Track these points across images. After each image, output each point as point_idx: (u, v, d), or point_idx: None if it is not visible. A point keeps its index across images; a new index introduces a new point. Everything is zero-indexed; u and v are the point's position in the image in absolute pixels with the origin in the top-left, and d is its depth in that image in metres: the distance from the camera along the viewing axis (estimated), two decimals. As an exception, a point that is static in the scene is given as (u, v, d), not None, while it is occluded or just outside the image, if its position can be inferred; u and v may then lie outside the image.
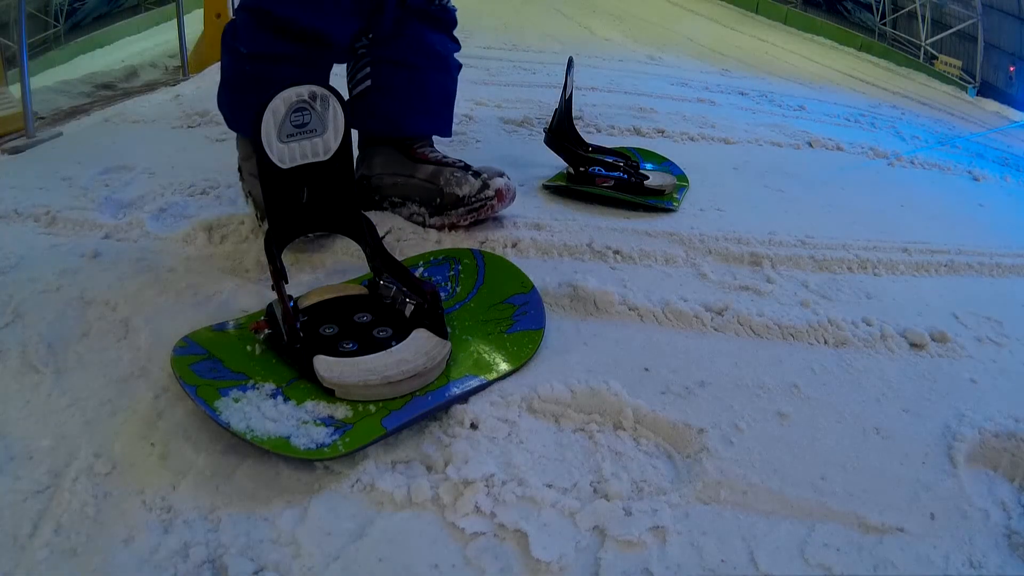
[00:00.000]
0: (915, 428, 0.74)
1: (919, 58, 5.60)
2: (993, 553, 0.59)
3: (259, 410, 0.65)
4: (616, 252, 1.08)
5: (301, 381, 0.70)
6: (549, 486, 0.62)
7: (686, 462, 0.67)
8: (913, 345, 0.90)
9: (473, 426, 0.68)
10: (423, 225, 1.10)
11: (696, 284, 1.01)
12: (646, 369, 0.79)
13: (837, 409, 0.76)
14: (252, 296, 0.90)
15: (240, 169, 1.14)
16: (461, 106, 2.04)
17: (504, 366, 0.76)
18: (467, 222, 1.09)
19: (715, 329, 0.90)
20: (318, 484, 0.61)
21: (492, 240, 1.08)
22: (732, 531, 0.59)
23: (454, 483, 0.61)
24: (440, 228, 1.09)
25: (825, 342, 0.89)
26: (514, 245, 1.08)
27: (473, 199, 1.07)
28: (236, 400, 0.66)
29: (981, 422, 0.74)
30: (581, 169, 1.32)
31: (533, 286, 0.89)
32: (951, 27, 5.57)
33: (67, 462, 0.61)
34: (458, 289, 0.90)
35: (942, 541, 0.60)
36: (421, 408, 0.68)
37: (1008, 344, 0.93)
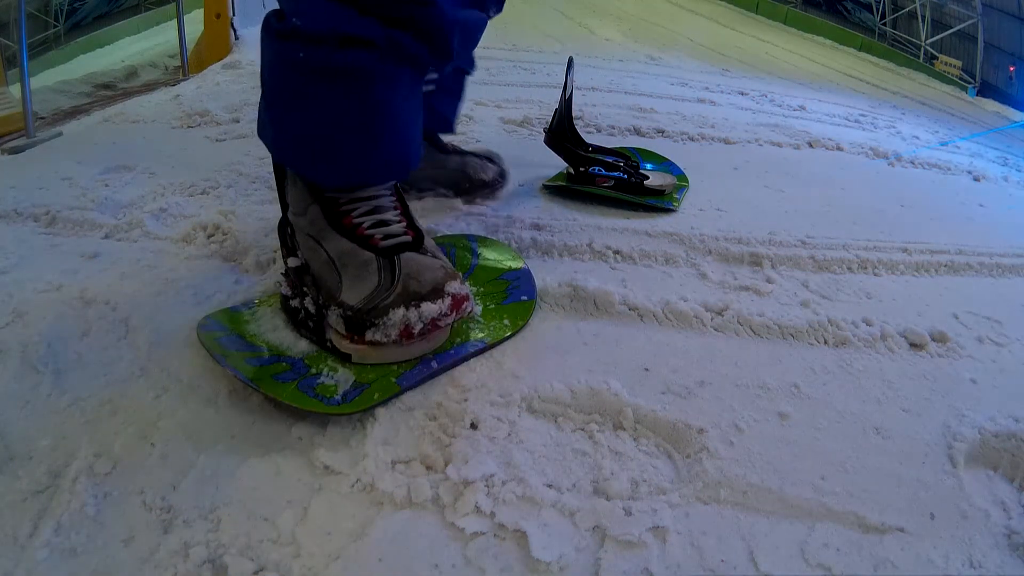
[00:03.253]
0: (915, 428, 0.74)
1: (919, 58, 5.61)
2: (993, 553, 0.59)
3: (283, 376, 0.70)
4: (616, 252, 1.08)
5: (319, 352, 0.75)
6: (549, 486, 0.62)
7: (686, 462, 0.67)
8: (913, 345, 0.90)
9: (473, 426, 0.68)
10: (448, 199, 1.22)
11: (696, 284, 1.01)
12: (646, 369, 0.79)
13: (837, 409, 0.76)
14: (252, 296, 0.90)
15: (288, 227, 0.81)
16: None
17: (503, 332, 0.82)
18: (489, 201, 1.24)
19: (715, 329, 0.90)
20: (318, 484, 0.61)
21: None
22: (732, 531, 0.59)
23: (454, 483, 0.61)
24: (467, 203, 1.22)
25: (825, 342, 0.89)
26: (515, 245, 1.08)
27: (495, 182, 1.24)
28: (262, 367, 0.71)
29: (981, 422, 0.74)
30: (581, 169, 1.32)
31: (524, 263, 0.95)
32: (951, 27, 5.57)
33: (67, 462, 0.61)
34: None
35: (942, 541, 0.60)
36: (431, 368, 0.73)
37: (1008, 344, 0.93)
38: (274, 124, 0.76)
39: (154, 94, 2.08)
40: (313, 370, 0.71)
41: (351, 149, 0.74)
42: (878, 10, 6.34)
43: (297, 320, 0.76)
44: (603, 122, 1.96)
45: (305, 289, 0.76)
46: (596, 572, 0.55)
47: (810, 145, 1.93)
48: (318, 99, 0.70)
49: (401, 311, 0.69)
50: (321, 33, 0.68)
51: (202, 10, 2.69)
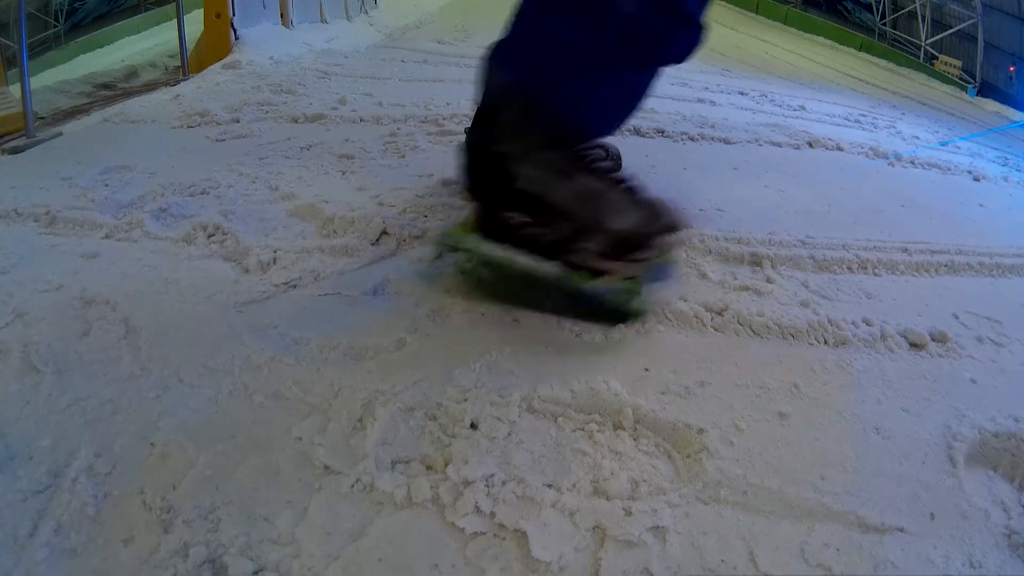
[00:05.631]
0: (915, 428, 0.74)
1: (919, 58, 5.60)
2: (993, 553, 0.59)
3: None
4: (616, 252, 1.08)
5: (571, 272, 0.84)
6: (549, 486, 0.62)
7: (686, 462, 0.67)
8: (913, 345, 0.90)
9: (473, 426, 0.68)
10: None
11: (696, 284, 1.01)
12: (646, 369, 0.79)
13: (837, 409, 0.76)
14: (254, 295, 0.90)
15: (504, 160, 0.87)
16: (461, 106, 2.04)
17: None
18: None
19: (715, 329, 0.90)
20: (318, 484, 0.61)
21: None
22: (732, 531, 0.59)
23: (454, 483, 0.61)
24: None
25: (825, 342, 0.89)
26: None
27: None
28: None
29: (981, 422, 0.74)
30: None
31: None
32: (951, 27, 5.57)
33: (67, 462, 0.61)
34: None
35: (942, 541, 0.60)
36: (657, 275, 0.89)
37: (1008, 344, 0.93)
38: (578, 86, 0.84)
39: (154, 94, 2.08)
40: (580, 281, 0.83)
41: (628, 114, 0.92)
42: (878, 10, 6.33)
43: (543, 244, 0.85)
44: (603, 122, 1.95)
45: (555, 220, 0.85)
46: (596, 572, 0.55)
47: (810, 145, 1.93)
48: (634, 80, 0.86)
49: (664, 238, 0.84)
50: (644, 36, 0.82)
51: (202, 10, 2.70)
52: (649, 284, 0.88)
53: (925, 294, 1.06)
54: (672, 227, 0.86)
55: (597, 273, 0.85)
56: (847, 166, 1.79)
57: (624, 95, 0.87)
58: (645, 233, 0.84)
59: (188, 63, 2.50)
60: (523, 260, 0.86)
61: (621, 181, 0.89)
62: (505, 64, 0.87)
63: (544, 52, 0.83)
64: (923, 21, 5.72)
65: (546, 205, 0.86)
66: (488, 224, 0.89)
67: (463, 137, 1.70)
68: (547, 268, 0.85)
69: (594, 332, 0.86)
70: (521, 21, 0.87)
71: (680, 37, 0.84)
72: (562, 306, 0.87)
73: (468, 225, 0.92)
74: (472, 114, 0.93)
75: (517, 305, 0.88)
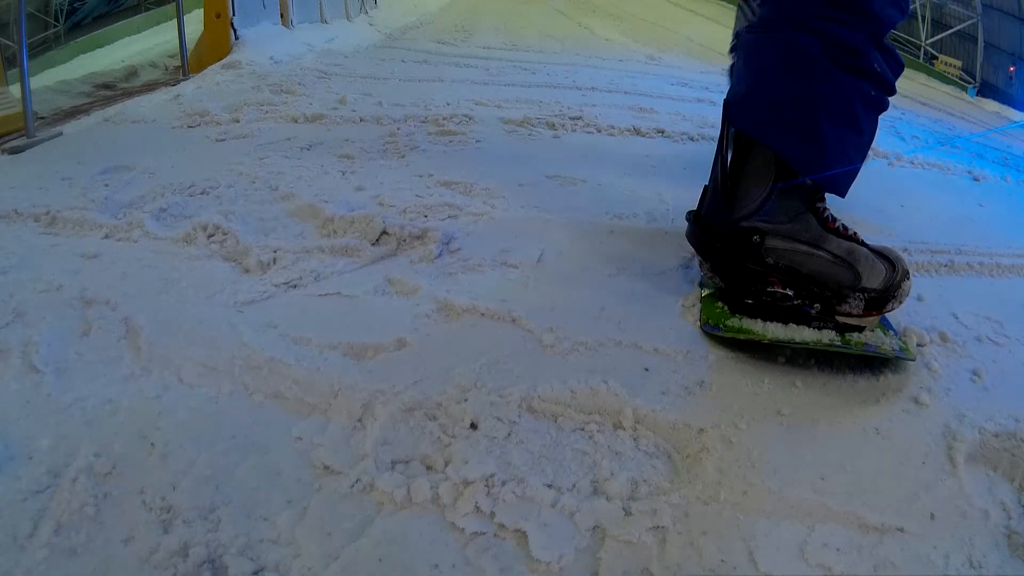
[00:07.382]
0: (915, 428, 0.74)
1: (919, 58, 5.60)
2: (993, 553, 0.59)
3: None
4: (616, 252, 1.08)
5: (833, 332, 0.86)
6: (549, 486, 0.62)
7: (686, 462, 0.67)
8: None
9: (473, 426, 0.68)
10: None
11: (695, 284, 1.01)
12: (646, 369, 0.79)
13: (837, 409, 0.76)
14: (254, 295, 0.90)
15: (753, 237, 0.88)
16: (461, 106, 2.04)
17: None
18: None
19: (715, 329, 0.90)
20: (318, 484, 0.61)
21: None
22: (732, 531, 0.59)
23: (454, 483, 0.61)
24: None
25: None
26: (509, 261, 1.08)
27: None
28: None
29: (981, 422, 0.74)
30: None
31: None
32: (951, 27, 5.57)
33: (67, 462, 0.61)
34: None
35: (942, 541, 0.60)
36: (886, 319, 0.92)
37: (1008, 344, 0.93)
38: (827, 140, 0.85)
39: (154, 94, 2.08)
40: (853, 342, 0.84)
41: (860, 163, 0.89)
42: (878, 10, 6.33)
43: (804, 314, 0.87)
44: (603, 122, 1.96)
45: (815, 289, 0.87)
46: (596, 572, 0.55)
47: (810, 145, 1.93)
48: (866, 127, 0.87)
49: (907, 283, 0.87)
50: (887, 82, 0.86)
51: (202, 10, 2.70)
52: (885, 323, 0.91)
53: (925, 294, 1.06)
54: (907, 273, 0.88)
55: (857, 329, 0.87)
56: (847, 166, 1.79)
57: (859, 146, 0.88)
58: (894, 284, 0.87)
59: (188, 63, 2.50)
60: (785, 331, 0.86)
61: (850, 231, 0.90)
62: (754, 126, 0.87)
63: (796, 107, 0.84)
64: (923, 21, 5.72)
65: (801, 275, 0.87)
66: (740, 301, 0.90)
67: (463, 137, 1.70)
68: (809, 334, 0.85)
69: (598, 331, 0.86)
70: (762, 76, 0.88)
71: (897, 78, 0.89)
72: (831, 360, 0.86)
73: (717, 303, 0.92)
74: (711, 182, 0.92)
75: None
